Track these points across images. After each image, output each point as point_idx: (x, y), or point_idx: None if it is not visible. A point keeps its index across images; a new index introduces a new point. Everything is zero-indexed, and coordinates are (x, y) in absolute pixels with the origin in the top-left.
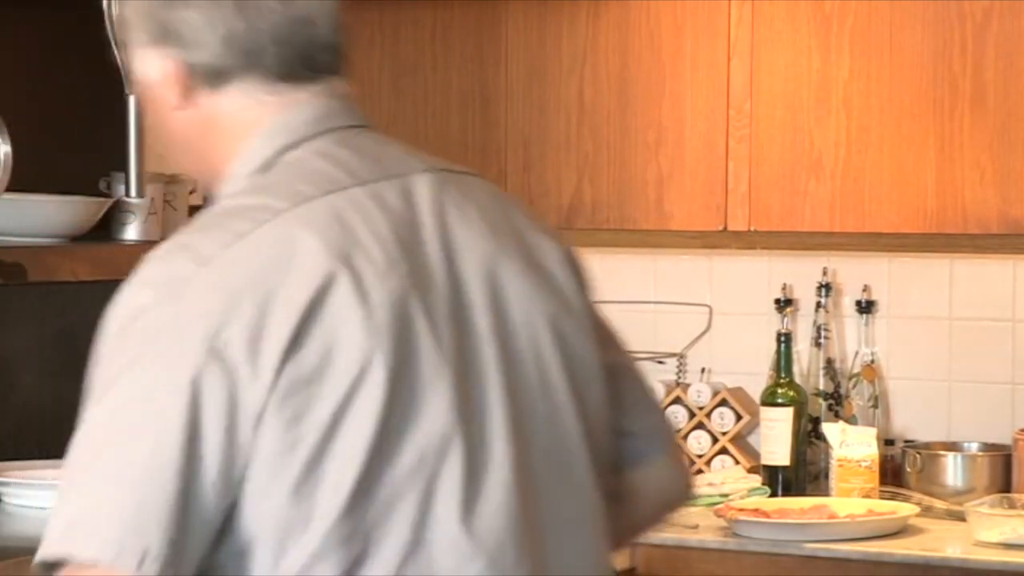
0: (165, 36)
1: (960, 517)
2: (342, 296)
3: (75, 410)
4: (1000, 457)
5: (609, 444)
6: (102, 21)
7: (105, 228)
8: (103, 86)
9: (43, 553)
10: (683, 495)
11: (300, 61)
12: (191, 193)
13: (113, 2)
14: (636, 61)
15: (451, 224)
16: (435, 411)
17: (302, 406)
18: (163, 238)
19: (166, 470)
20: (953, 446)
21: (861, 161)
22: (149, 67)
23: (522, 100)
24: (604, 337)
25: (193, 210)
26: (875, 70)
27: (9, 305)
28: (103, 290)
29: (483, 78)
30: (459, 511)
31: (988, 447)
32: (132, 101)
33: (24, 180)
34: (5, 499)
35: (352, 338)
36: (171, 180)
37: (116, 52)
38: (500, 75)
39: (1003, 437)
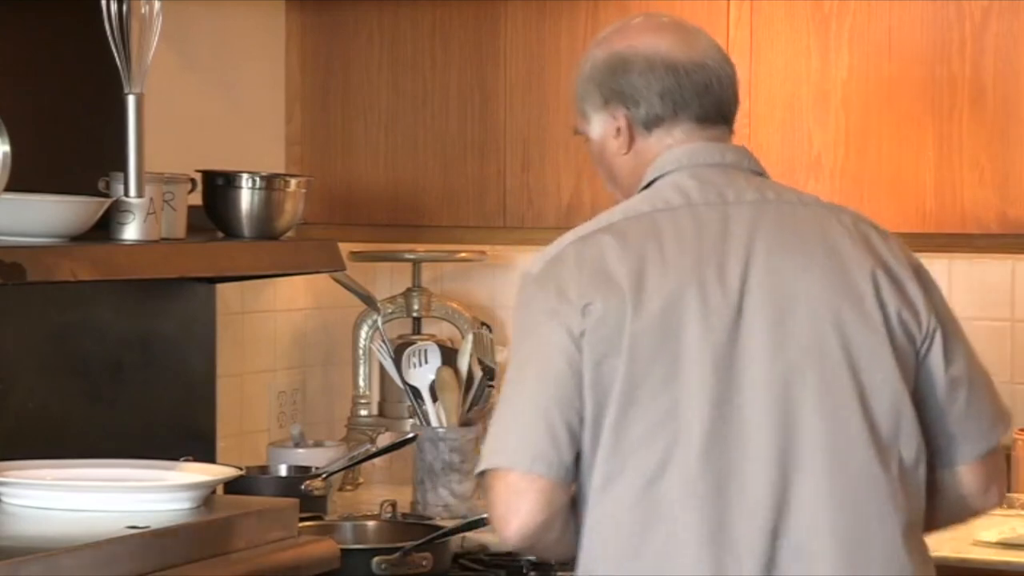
0: (615, 97)
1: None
2: (624, 284)
3: (74, 410)
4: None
5: (928, 441)
6: (102, 21)
7: (104, 228)
8: (102, 86)
9: (478, 467)
10: (976, 506)
11: (715, 110)
12: (190, 193)
13: (112, 2)
14: None
15: (757, 242)
16: (688, 383)
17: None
18: (162, 238)
19: (550, 401)
20: None
21: (860, 161)
22: (601, 124)
23: (521, 99)
24: (949, 349)
25: (192, 210)
26: (874, 70)
27: (8, 305)
28: (102, 290)
29: (482, 77)
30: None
31: None
32: (131, 101)
33: (23, 180)
34: (5, 499)
35: (626, 317)
36: (170, 180)
37: (116, 52)
38: (499, 74)
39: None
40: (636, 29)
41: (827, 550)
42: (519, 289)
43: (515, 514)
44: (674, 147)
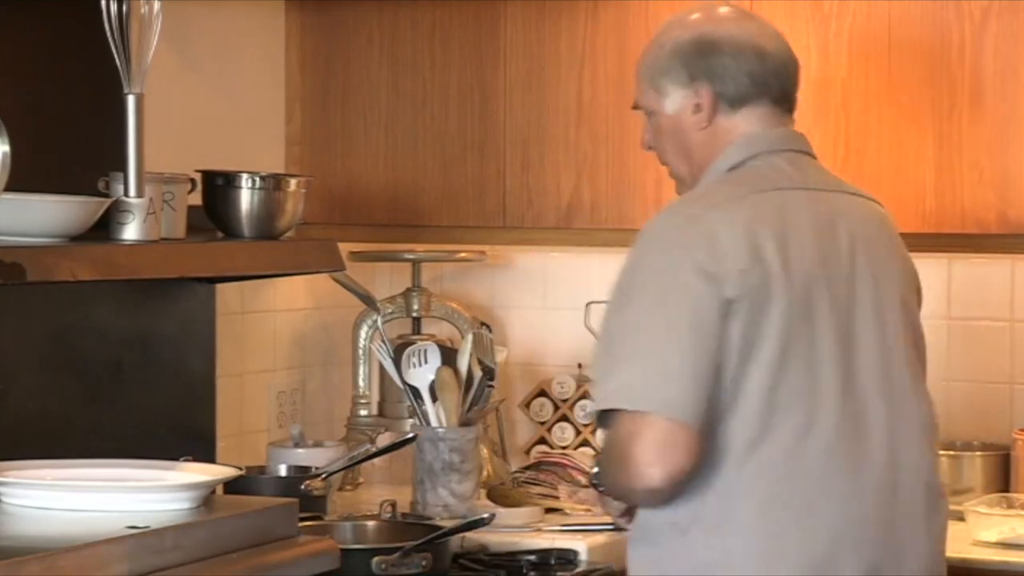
0: (706, 74)
1: (959, 516)
2: (771, 255)
3: (74, 410)
4: (998, 456)
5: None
6: (102, 21)
7: (104, 228)
8: (102, 86)
9: (602, 405)
10: None
11: (785, 95)
12: (189, 193)
13: (112, 2)
14: (635, 61)
15: (855, 229)
16: (822, 354)
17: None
18: (162, 238)
19: (703, 356)
20: (951, 446)
21: (860, 161)
22: (681, 98)
23: (521, 100)
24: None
25: (192, 210)
26: (874, 70)
27: (8, 305)
28: (102, 290)
29: (482, 78)
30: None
31: (986, 447)
32: (131, 101)
33: (23, 180)
34: (4, 499)
35: (773, 287)
36: (170, 180)
37: (115, 52)
38: (499, 75)
39: (1001, 437)
40: (723, 17)
41: (920, 503)
42: (651, 240)
43: (665, 461)
44: (758, 130)
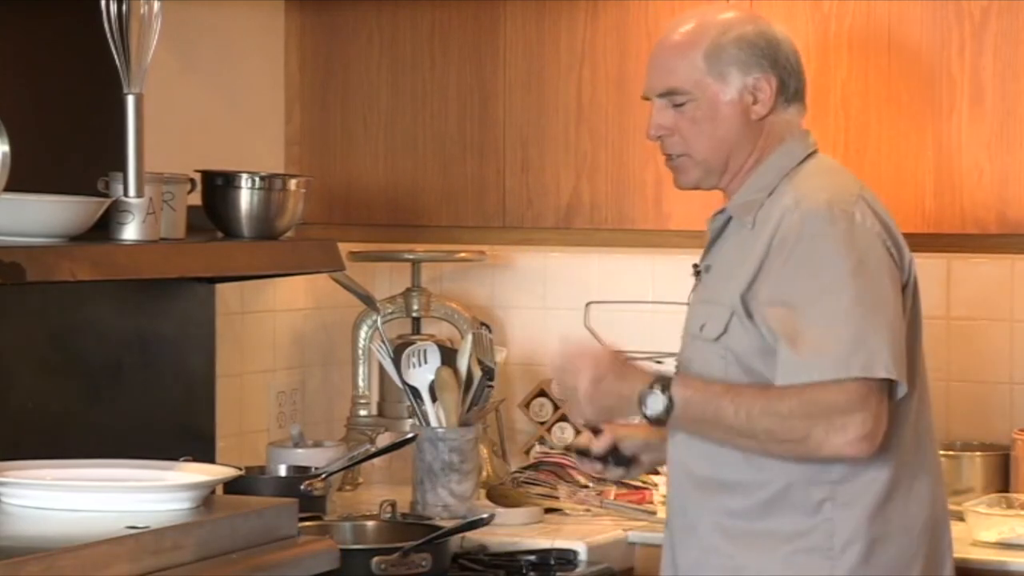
0: (773, 65)
1: (958, 517)
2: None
3: (74, 410)
4: (998, 457)
5: None
6: (101, 21)
7: (104, 228)
8: (102, 86)
9: (832, 374)
10: None
11: (804, 91)
12: (189, 193)
13: (112, 2)
14: (634, 61)
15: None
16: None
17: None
18: (161, 238)
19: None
20: (951, 446)
21: (859, 161)
22: (742, 85)
23: (520, 100)
24: None
25: (191, 210)
26: (873, 70)
27: (8, 305)
28: (102, 290)
29: (481, 78)
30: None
31: (986, 447)
32: (131, 101)
33: (23, 180)
34: (4, 499)
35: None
36: (169, 180)
37: (115, 52)
38: (498, 75)
39: (1001, 437)
40: (765, 19)
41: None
42: (837, 217)
43: (883, 427)
44: (804, 129)
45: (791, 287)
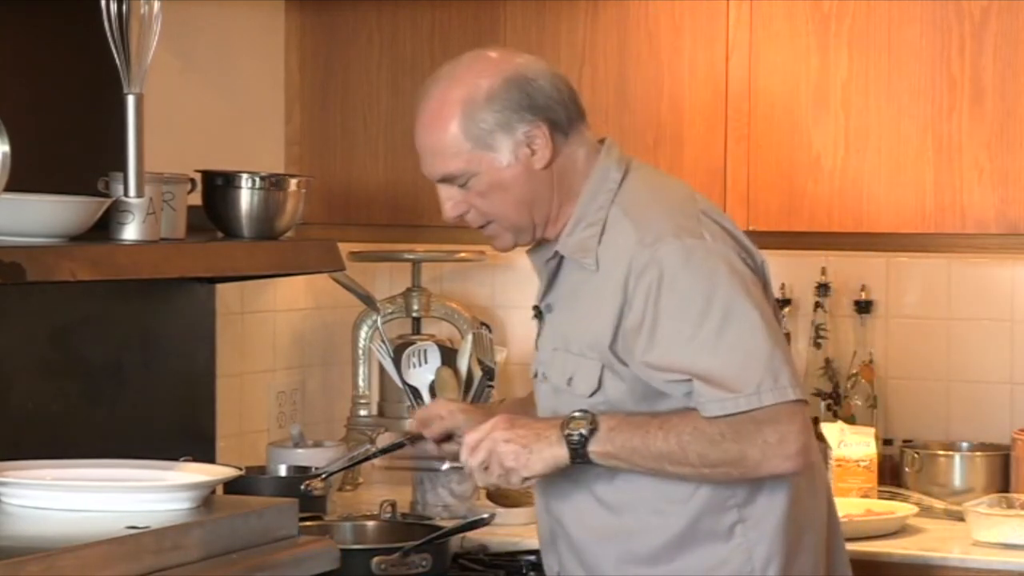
0: (531, 108)
1: (959, 517)
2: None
3: (74, 410)
4: (998, 457)
5: None
6: (101, 21)
7: (104, 228)
8: (102, 86)
9: (757, 403)
10: None
11: (580, 109)
12: (189, 193)
13: (112, 2)
14: (634, 61)
15: None
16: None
17: None
18: (161, 238)
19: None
20: (951, 446)
21: (859, 161)
22: (519, 143)
23: None
24: None
25: (192, 210)
26: (873, 70)
27: (8, 305)
28: (101, 290)
29: None
30: None
31: (986, 447)
32: (131, 101)
33: (23, 180)
34: (4, 499)
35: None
36: (169, 180)
37: (115, 52)
38: None
39: (1001, 437)
40: (507, 55)
41: None
42: (691, 248)
43: (811, 442)
44: (596, 142)
45: (675, 336)
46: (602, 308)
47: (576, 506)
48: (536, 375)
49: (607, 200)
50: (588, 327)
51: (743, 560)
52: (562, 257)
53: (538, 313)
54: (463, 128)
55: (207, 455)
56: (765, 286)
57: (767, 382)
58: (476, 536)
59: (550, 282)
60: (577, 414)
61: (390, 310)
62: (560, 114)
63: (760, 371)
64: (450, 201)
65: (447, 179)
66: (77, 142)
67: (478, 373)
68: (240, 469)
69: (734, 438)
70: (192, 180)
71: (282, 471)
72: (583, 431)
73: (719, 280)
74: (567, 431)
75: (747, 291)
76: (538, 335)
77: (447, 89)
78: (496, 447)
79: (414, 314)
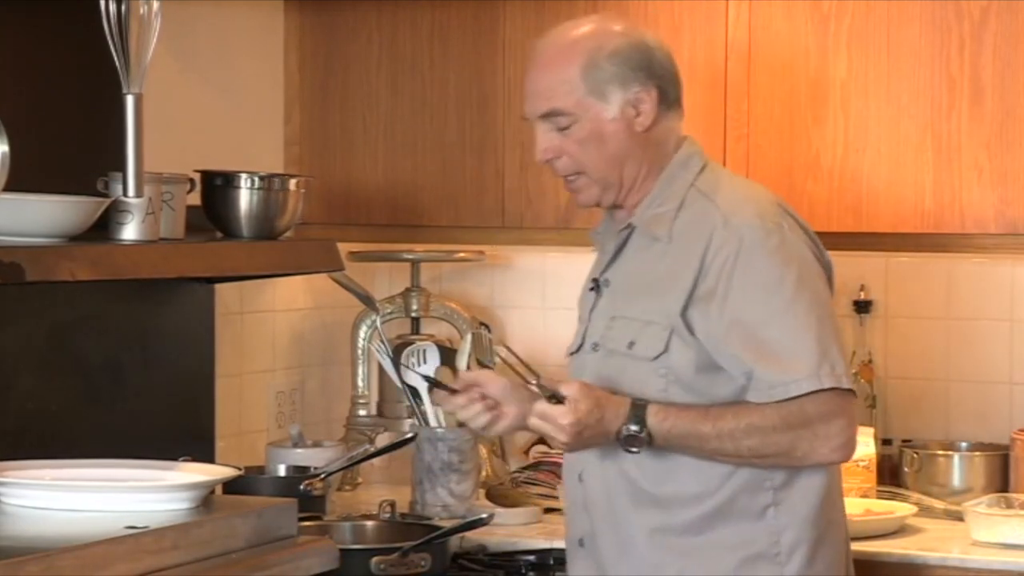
0: (648, 71)
1: (958, 517)
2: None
3: (73, 410)
4: (998, 457)
5: None
6: (101, 21)
7: (103, 228)
8: (101, 86)
9: (816, 384)
10: None
11: (681, 94)
12: (188, 193)
13: (111, 2)
14: None
15: None
16: None
17: None
18: (161, 238)
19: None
20: (951, 446)
21: (858, 161)
22: (621, 102)
23: (520, 99)
24: None
25: (191, 210)
26: (873, 70)
27: (7, 305)
28: (101, 290)
29: (481, 77)
30: None
31: (986, 447)
32: (130, 101)
33: (22, 180)
34: (3, 499)
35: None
36: (169, 180)
37: (114, 52)
38: (498, 75)
39: (1001, 437)
40: (635, 27)
41: None
42: (771, 230)
43: (856, 436)
44: (684, 134)
45: (745, 307)
46: (676, 277)
47: (613, 477)
48: (580, 347)
49: (686, 183)
50: (658, 294)
51: (771, 542)
52: (632, 230)
53: (595, 286)
54: (583, 71)
55: (206, 455)
56: (830, 283)
57: (825, 367)
58: (475, 536)
59: (615, 255)
60: (634, 427)
61: (389, 310)
62: (670, 87)
63: (818, 356)
64: (546, 143)
65: (551, 114)
66: (76, 142)
67: None
68: (239, 469)
69: (785, 428)
70: (191, 180)
71: (281, 471)
72: (640, 445)
73: (791, 266)
74: (622, 443)
75: (814, 282)
76: (591, 308)
77: (575, 37)
78: (561, 435)
79: (413, 314)
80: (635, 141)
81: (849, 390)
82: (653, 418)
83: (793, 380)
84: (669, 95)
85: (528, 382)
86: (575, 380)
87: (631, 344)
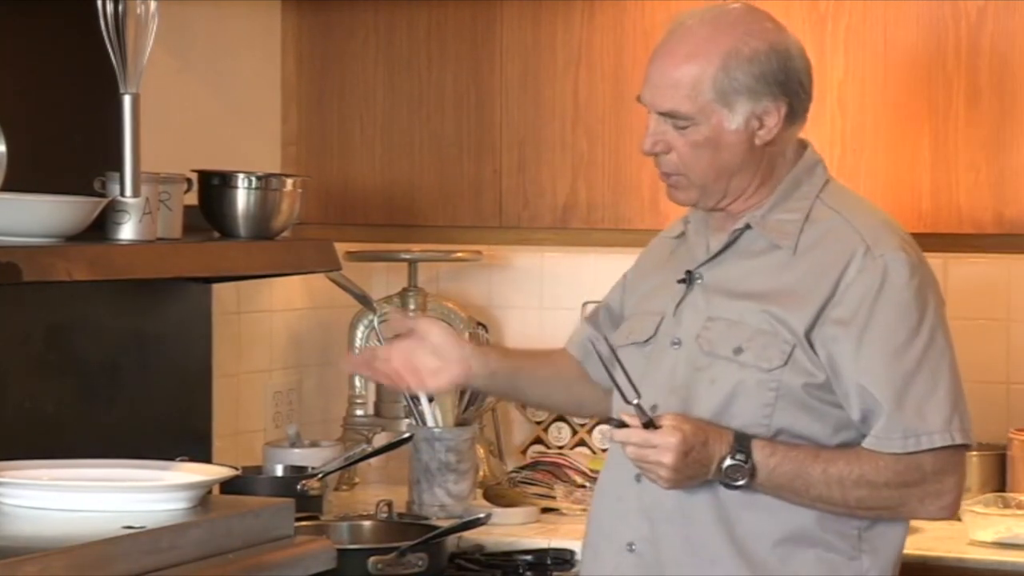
0: (782, 85)
1: (955, 516)
2: None
3: (70, 410)
4: (995, 456)
5: None
6: (98, 22)
7: (100, 228)
8: (98, 86)
9: (948, 440)
10: None
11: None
12: (186, 193)
13: (108, 2)
14: (631, 60)
15: None
16: None
17: None
18: (158, 238)
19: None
20: None
21: (856, 161)
22: (747, 113)
23: (517, 100)
24: None
25: (188, 210)
26: (870, 70)
27: (4, 305)
28: (98, 290)
29: (478, 77)
30: None
31: (983, 446)
32: (127, 101)
33: (19, 180)
34: (1, 499)
35: None
36: (166, 180)
37: (112, 52)
38: (495, 74)
39: (998, 436)
40: (778, 28)
41: None
42: (916, 267)
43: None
44: (801, 138)
45: (887, 345)
46: (802, 294)
47: (692, 496)
48: (651, 338)
49: (811, 192)
50: (777, 306)
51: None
52: (744, 231)
53: (688, 279)
54: (714, 77)
55: (203, 455)
56: None
57: (955, 421)
58: (472, 536)
59: (717, 252)
60: (739, 459)
61: (387, 310)
62: (801, 100)
63: (950, 408)
64: (656, 136)
65: (669, 115)
66: (73, 142)
67: None
68: (236, 469)
69: (898, 484)
70: (188, 180)
71: (278, 471)
72: (743, 479)
73: (931, 305)
74: (724, 475)
75: (947, 324)
76: (679, 301)
77: (714, 32)
78: (666, 458)
79: (410, 314)
80: (752, 154)
81: (968, 445)
82: (759, 452)
83: (926, 432)
84: (797, 111)
85: (628, 401)
86: (667, 412)
87: (738, 350)
